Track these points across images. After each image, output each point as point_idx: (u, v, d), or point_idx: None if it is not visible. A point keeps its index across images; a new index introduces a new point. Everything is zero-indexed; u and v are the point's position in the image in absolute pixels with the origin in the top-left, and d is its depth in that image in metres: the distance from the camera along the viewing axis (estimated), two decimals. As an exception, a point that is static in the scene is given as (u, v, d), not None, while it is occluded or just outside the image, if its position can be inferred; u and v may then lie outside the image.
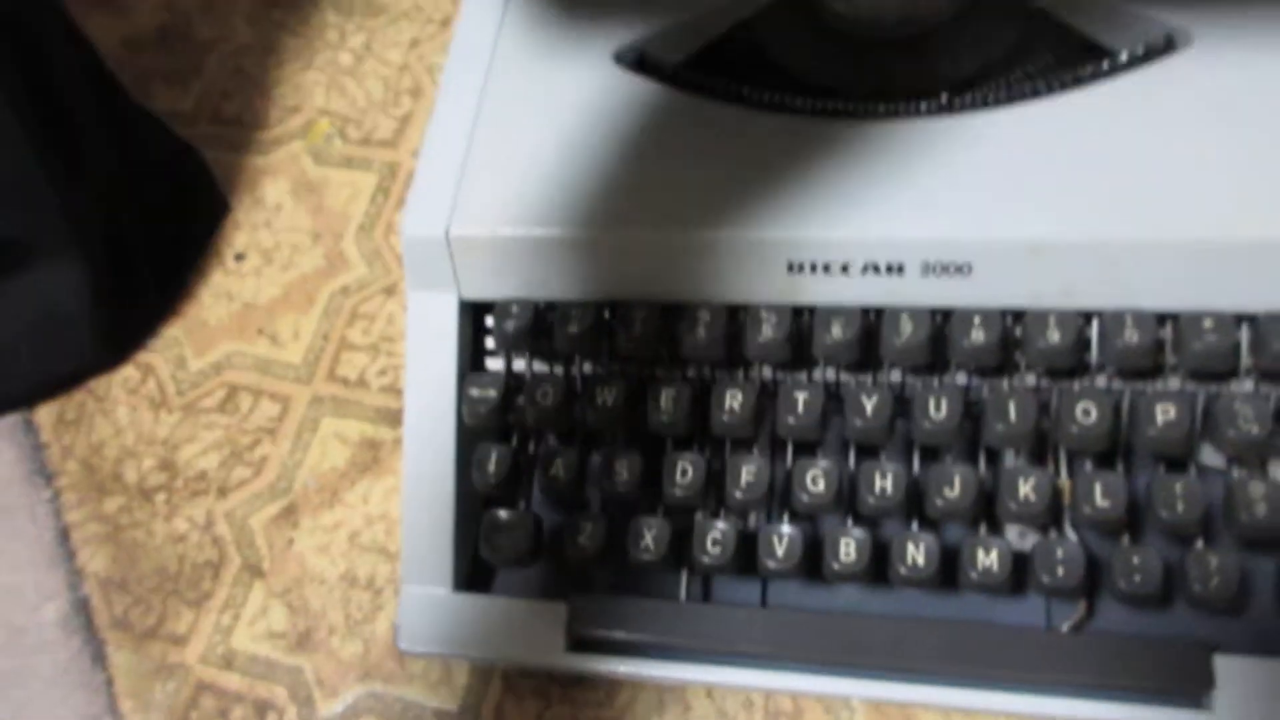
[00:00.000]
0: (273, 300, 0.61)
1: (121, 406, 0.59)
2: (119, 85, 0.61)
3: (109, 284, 0.57)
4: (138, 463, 0.57)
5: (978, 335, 0.39)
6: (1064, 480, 0.40)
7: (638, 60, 0.47)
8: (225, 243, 0.63)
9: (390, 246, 0.61)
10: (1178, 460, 0.39)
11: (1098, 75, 0.41)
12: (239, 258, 0.62)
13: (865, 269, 0.40)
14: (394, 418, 0.55)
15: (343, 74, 0.68)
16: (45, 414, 0.59)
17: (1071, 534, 0.40)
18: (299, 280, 0.61)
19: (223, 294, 0.61)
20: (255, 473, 0.55)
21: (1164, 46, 0.41)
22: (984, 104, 0.42)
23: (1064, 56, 0.44)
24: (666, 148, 0.43)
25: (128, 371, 0.60)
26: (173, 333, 0.61)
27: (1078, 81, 0.41)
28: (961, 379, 0.41)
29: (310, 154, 0.65)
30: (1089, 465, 0.40)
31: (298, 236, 0.62)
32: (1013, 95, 0.42)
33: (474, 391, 0.44)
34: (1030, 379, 0.41)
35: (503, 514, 0.44)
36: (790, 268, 0.40)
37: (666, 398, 0.42)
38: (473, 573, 0.46)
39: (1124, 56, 0.42)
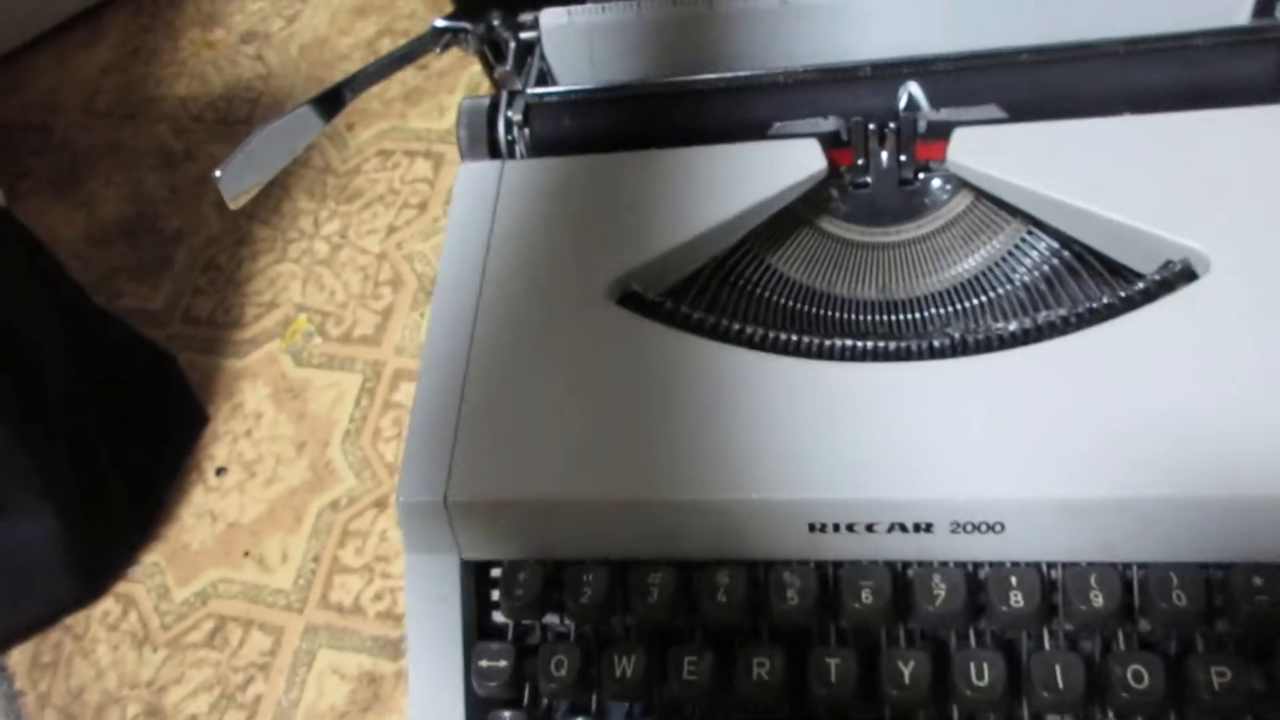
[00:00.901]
0: (258, 518, 0.58)
1: (102, 645, 0.56)
2: (82, 291, 0.59)
3: (83, 526, 0.54)
4: (122, 709, 0.53)
5: (1016, 598, 0.37)
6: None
7: (635, 298, 0.45)
8: (205, 456, 0.60)
9: (379, 454, 0.58)
10: None
11: (1118, 309, 0.40)
12: (220, 472, 0.60)
13: (891, 528, 0.38)
14: (393, 648, 0.52)
15: (319, 264, 0.66)
16: (19, 657, 0.56)
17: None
18: (285, 495, 0.58)
19: (205, 513, 0.59)
20: (249, 716, 0.52)
21: (1182, 274, 0.40)
22: (1001, 344, 0.40)
23: (1079, 282, 0.43)
24: (674, 397, 0.41)
25: (107, 604, 0.57)
26: (153, 559, 0.58)
27: (1099, 315, 0.40)
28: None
29: (289, 354, 0.63)
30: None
31: (281, 446, 0.60)
32: (1031, 333, 0.40)
33: (484, 663, 0.41)
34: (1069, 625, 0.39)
35: (519, 792, 0.41)
36: (812, 528, 0.38)
37: (689, 665, 0.40)
38: None
39: (1143, 285, 0.40)
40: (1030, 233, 0.47)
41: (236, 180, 0.43)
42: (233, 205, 0.43)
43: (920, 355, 0.41)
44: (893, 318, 0.47)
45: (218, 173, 0.42)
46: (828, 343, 0.42)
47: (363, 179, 0.66)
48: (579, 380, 0.42)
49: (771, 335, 0.43)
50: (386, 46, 0.71)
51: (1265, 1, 0.47)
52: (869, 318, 0.47)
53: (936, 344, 0.41)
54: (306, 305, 0.64)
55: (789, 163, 0.47)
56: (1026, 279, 0.46)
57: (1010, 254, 0.47)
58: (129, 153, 0.72)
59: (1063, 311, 0.41)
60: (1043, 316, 0.41)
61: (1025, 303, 0.45)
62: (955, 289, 0.47)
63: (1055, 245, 0.46)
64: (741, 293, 0.48)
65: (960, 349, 0.41)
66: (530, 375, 0.43)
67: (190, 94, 0.74)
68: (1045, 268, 0.46)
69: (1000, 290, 0.46)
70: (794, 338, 0.42)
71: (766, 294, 0.48)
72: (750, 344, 0.43)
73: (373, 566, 0.55)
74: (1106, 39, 0.47)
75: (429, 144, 0.67)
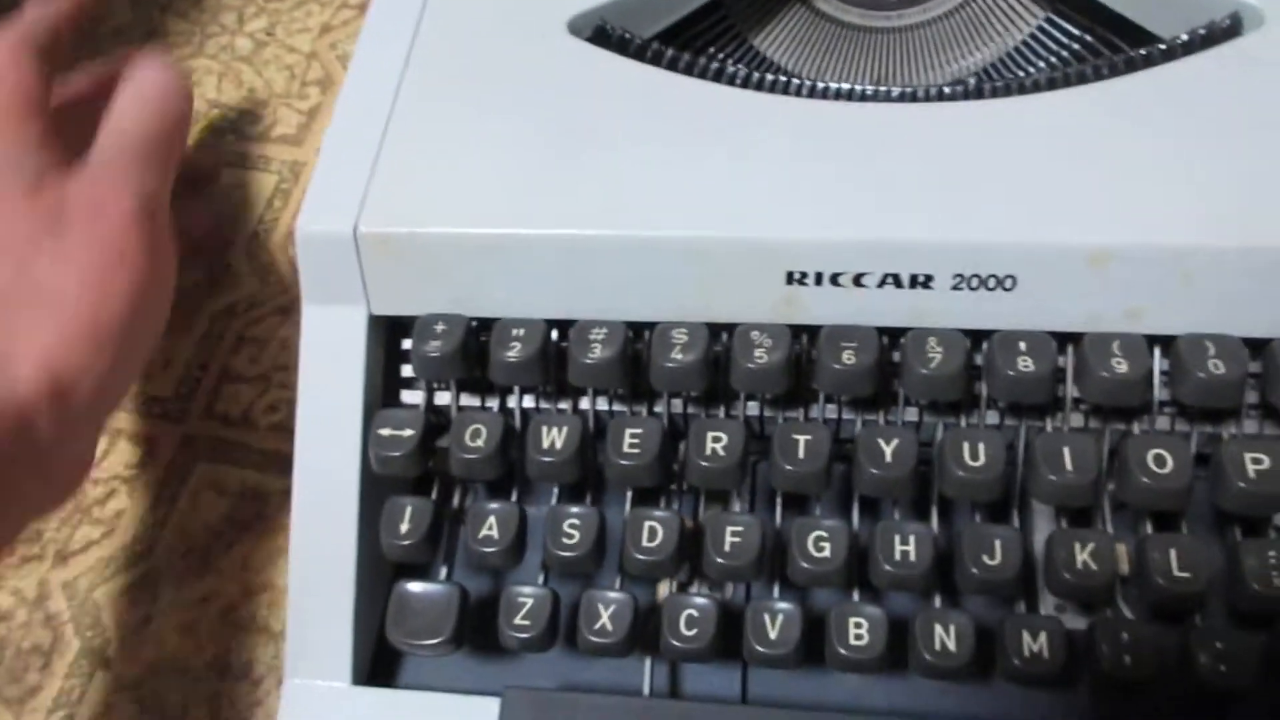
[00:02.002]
0: (141, 320, 0.50)
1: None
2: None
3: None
4: (-43, 518, 0.45)
5: (1024, 363, 0.31)
6: (1122, 548, 0.33)
7: (598, 32, 0.39)
8: (86, 251, 0.52)
9: (289, 259, 0.51)
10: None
11: (1156, 59, 0.35)
12: (102, 269, 0.52)
13: (883, 281, 0.32)
14: (286, 464, 0.44)
15: (239, 61, 0.58)
16: None
17: (1128, 613, 0.33)
18: (175, 297, 0.50)
19: (80, 312, 0.51)
20: (106, 533, 0.44)
21: (1228, 30, 0.35)
22: (1020, 89, 0.35)
23: (1102, 42, 0.38)
24: (634, 133, 0.35)
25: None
26: (14, 358, 0.50)
27: (1133, 65, 0.34)
28: (992, 417, 0.34)
29: (196, 150, 0.55)
30: (1149, 528, 0.32)
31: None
32: (1053, 80, 0.35)
33: (385, 431, 0.35)
34: (1077, 418, 0.33)
35: (417, 587, 0.34)
36: (790, 279, 0.32)
37: (630, 439, 0.33)
38: (378, 661, 0.36)
39: (1183, 38, 0.35)
40: (1050, 19, 0.41)
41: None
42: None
43: (929, 98, 0.35)
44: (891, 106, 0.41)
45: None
46: (821, 84, 0.36)
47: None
48: (529, 112, 0.36)
49: (757, 76, 0.37)
50: None
51: None
52: (865, 106, 0.41)
53: (948, 89, 0.36)
54: (221, 102, 0.57)
55: (786, -91, 0.41)
56: (1045, 67, 0.40)
57: (1026, 43, 0.42)
58: None
59: (1096, 62, 0.35)
60: (1068, 70, 0.36)
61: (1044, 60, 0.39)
62: (960, 84, 0.42)
63: (1078, 31, 0.41)
64: (721, 74, 0.42)
65: (975, 93, 0.35)
66: (473, 104, 0.36)
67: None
68: (1066, 54, 0.40)
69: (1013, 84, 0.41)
70: (783, 78, 0.36)
71: (744, 72, 0.42)
72: (732, 82, 0.36)
73: (270, 376, 0.48)
74: None
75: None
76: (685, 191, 0.33)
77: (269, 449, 0.46)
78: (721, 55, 0.42)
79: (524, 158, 0.35)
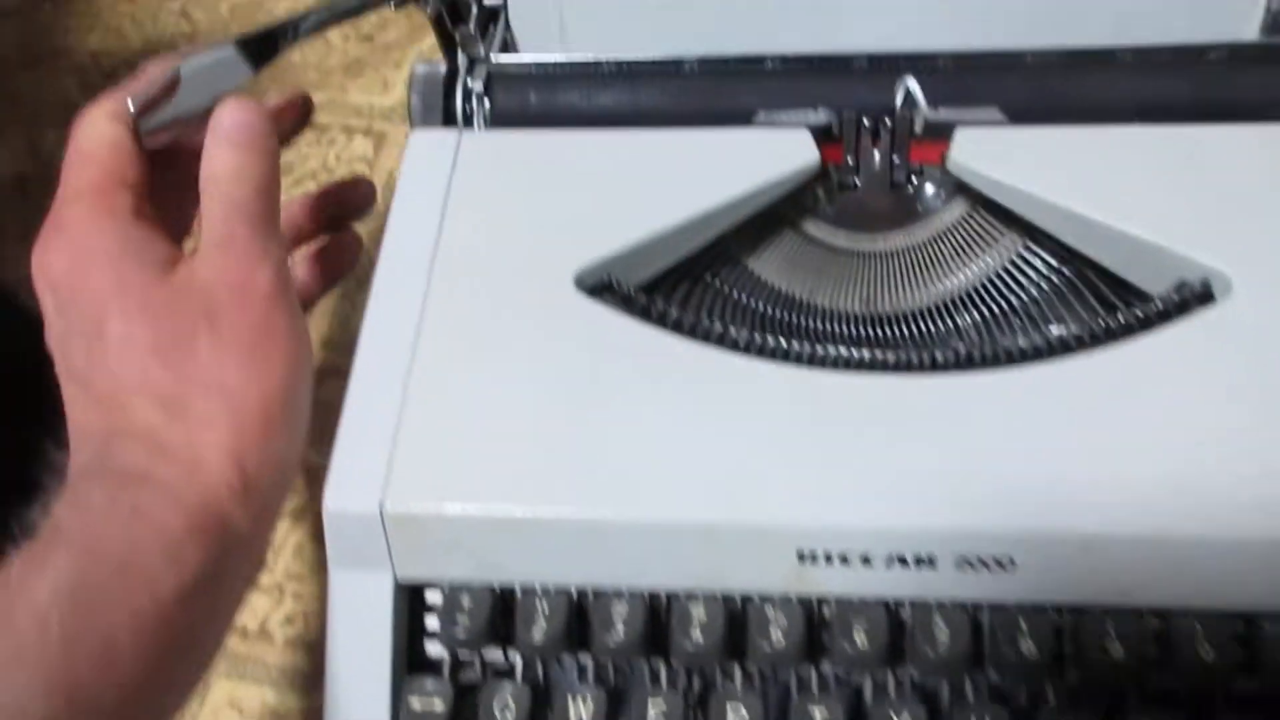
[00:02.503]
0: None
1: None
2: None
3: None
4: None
5: (1026, 645, 0.33)
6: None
7: (604, 287, 0.40)
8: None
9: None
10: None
11: (1134, 328, 0.37)
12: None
13: (890, 562, 0.34)
14: (306, 681, 0.46)
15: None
16: None
17: None
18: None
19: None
20: (129, 752, 0.45)
21: (1201, 296, 0.37)
22: (1009, 359, 0.37)
23: (1082, 302, 0.40)
24: (644, 402, 0.36)
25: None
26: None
27: (1113, 334, 0.37)
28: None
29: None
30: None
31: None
32: (1043, 350, 0.37)
33: (416, 703, 0.36)
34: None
35: None
36: (801, 557, 0.34)
37: (655, 711, 0.35)
38: None
39: (1159, 305, 0.37)
40: (1028, 247, 0.44)
41: (151, 114, 0.37)
42: (146, 143, 0.37)
43: (922, 368, 0.37)
44: (878, 332, 0.43)
45: (129, 100, 0.36)
46: (820, 350, 0.38)
47: (293, 154, 0.60)
48: (542, 379, 0.37)
49: (759, 339, 0.38)
50: (327, 13, 0.65)
51: (1275, 17, 0.45)
52: (853, 330, 0.43)
53: (940, 357, 0.38)
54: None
55: (780, 154, 0.43)
56: (1024, 297, 0.43)
57: (1006, 269, 0.44)
58: (28, 105, 0.64)
59: (1075, 329, 0.37)
60: (1054, 332, 0.38)
61: (1024, 322, 0.42)
62: (944, 304, 0.44)
63: (1055, 262, 0.43)
64: (717, 294, 0.44)
65: (966, 363, 0.37)
66: (487, 371, 0.38)
67: (103, 48, 0.66)
68: (1044, 285, 0.43)
69: (994, 307, 0.43)
70: (783, 343, 0.38)
71: (744, 298, 0.44)
72: (736, 348, 0.38)
73: (283, 586, 0.49)
74: (1113, 46, 0.44)
75: (369, 120, 0.61)
76: (696, 471, 0.35)
77: (287, 665, 0.47)
78: (719, 281, 0.44)
79: (540, 429, 0.36)
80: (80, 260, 0.34)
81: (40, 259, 0.35)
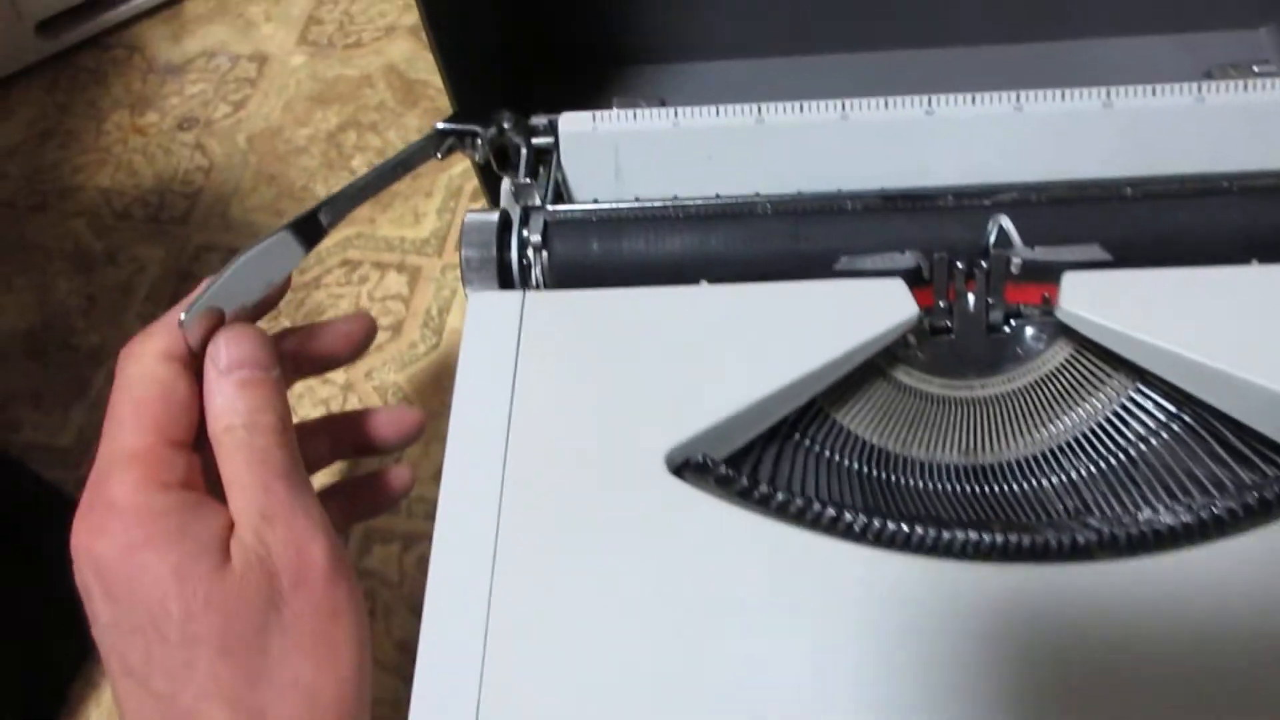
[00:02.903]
0: None
1: None
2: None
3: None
4: None
5: None
6: None
7: (698, 468, 0.37)
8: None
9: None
10: None
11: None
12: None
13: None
14: None
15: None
16: None
17: None
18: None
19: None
20: None
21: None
22: (1160, 542, 0.33)
23: (1217, 443, 0.37)
24: (758, 604, 0.33)
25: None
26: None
27: (1269, 509, 0.33)
28: None
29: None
30: None
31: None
32: (1195, 529, 0.33)
33: None
34: None
35: None
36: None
37: None
38: None
39: (1314, 472, 0.34)
40: (1139, 389, 0.41)
41: (202, 323, 0.34)
42: (198, 351, 0.34)
43: (1058, 554, 0.34)
44: (985, 488, 0.40)
45: (182, 316, 0.33)
46: (945, 535, 0.34)
47: (323, 293, 0.57)
48: (639, 579, 0.34)
49: (877, 525, 0.35)
50: (351, 141, 0.63)
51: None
52: (957, 487, 0.40)
53: (1080, 539, 0.34)
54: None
55: (873, 306, 0.40)
56: (1142, 446, 0.39)
57: (1117, 414, 0.41)
58: (37, 251, 0.61)
59: (1229, 502, 0.34)
60: (1200, 505, 0.35)
61: (1137, 477, 0.39)
62: (1051, 452, 0.41)
63: (1171, 406, 0.40)
64: (809, 455, 0.41)
65: (1110, 545, 0.34)
66: (577, 571, 0.34)
67: (115, 186, 0.63)
68: (1162, 432, 0.40)
69: (1110, 459, 0.40)
70: (904, 528, 0.35)
71: (836, 457, 0.41)
72: (850, 534, 0.35)
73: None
74: (1213, 173, 0.42)
75: (403, 255, 0.58)
76: (822, 692, 0.31)
77: None
78: (809, 440, 0.41)
79: (638, 643, 0.32)
80: (134, 547, 0.30)
81: (87, 542, 0.31)
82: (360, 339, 0.42)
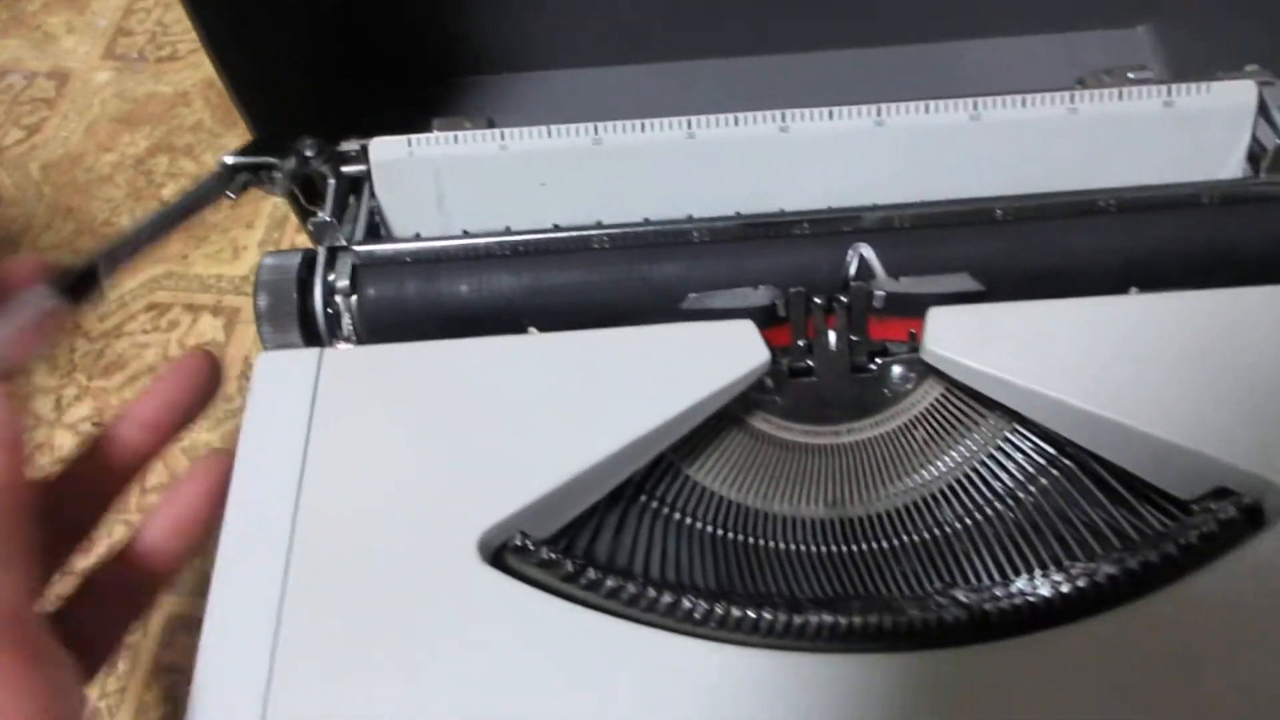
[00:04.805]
0: None
1: None
2: None
3: None
4: None
5: None
6: None
7: (517, 553, 0.32)
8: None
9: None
10: None
11: (1178, 561, 0.30)
12: None
13: None
14: None
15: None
16: None
17: None
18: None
19: None
20: None
21: (1251, 513, 0.31)
22: (1028, 618, 0.29)
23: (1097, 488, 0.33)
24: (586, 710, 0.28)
25: None
26: None
27: (1157, 573, 0.30)
28: None
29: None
30: None
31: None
32: (1073, 600, 0.30)
33: None
34: None
35: None
36: None
37: None
38: None
39: (1203, 526, 0.31)
40: (1015, 429, 0.37)
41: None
42: None
43: (922, 637, 0.30)
44: (853, 547, 0.36)
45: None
46: (797, 620, 0.30)
47: (126, 343, 0.50)
48: (443, 682, 0.28)
49: (720, 612, 0.30)
50: (162, 168, 0.56)
51: (1259, 150, 0.39)
52: (823, 548, 0.36)
53: (946, 617, 0.30)
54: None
55: (719, 352, 0.35)
56: (1017, 495, 0.36)
57: (991, 458, 0.37)
58: None
59: (1109, 568, 0.30)
60: (1079, 573, 0.31)
61: (1015, 528, 0.35)
62: (922, 503, 0.37)
63: (1049, 447, 0.36)
64: (656, 519, 0.36)
65: (977, 624, 0.30)
66: (370, 669, 0.29)
67: (-114, 224, 0.55)
68: (1041, 478, 0.36)
69: (984, 511, 0.36)
70: (750, 614, 0.30)
71: (687, 520, 0.36)
72: (688, 621, 0.30)
73: None
74: (1088, 189, 0.39)
75: (219, 295, 0.51)
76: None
77: None
78: (657, 502, 0.36)
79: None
80: None
81: None
82: (206, 378, 0.35)
